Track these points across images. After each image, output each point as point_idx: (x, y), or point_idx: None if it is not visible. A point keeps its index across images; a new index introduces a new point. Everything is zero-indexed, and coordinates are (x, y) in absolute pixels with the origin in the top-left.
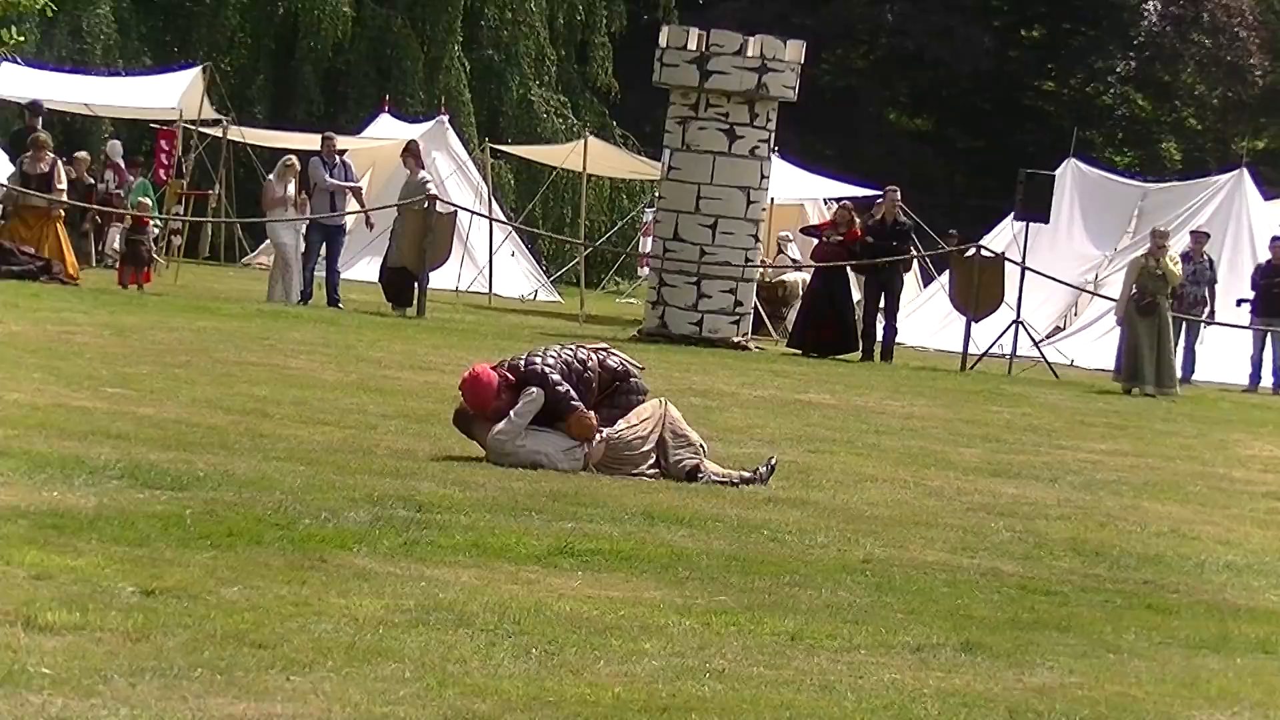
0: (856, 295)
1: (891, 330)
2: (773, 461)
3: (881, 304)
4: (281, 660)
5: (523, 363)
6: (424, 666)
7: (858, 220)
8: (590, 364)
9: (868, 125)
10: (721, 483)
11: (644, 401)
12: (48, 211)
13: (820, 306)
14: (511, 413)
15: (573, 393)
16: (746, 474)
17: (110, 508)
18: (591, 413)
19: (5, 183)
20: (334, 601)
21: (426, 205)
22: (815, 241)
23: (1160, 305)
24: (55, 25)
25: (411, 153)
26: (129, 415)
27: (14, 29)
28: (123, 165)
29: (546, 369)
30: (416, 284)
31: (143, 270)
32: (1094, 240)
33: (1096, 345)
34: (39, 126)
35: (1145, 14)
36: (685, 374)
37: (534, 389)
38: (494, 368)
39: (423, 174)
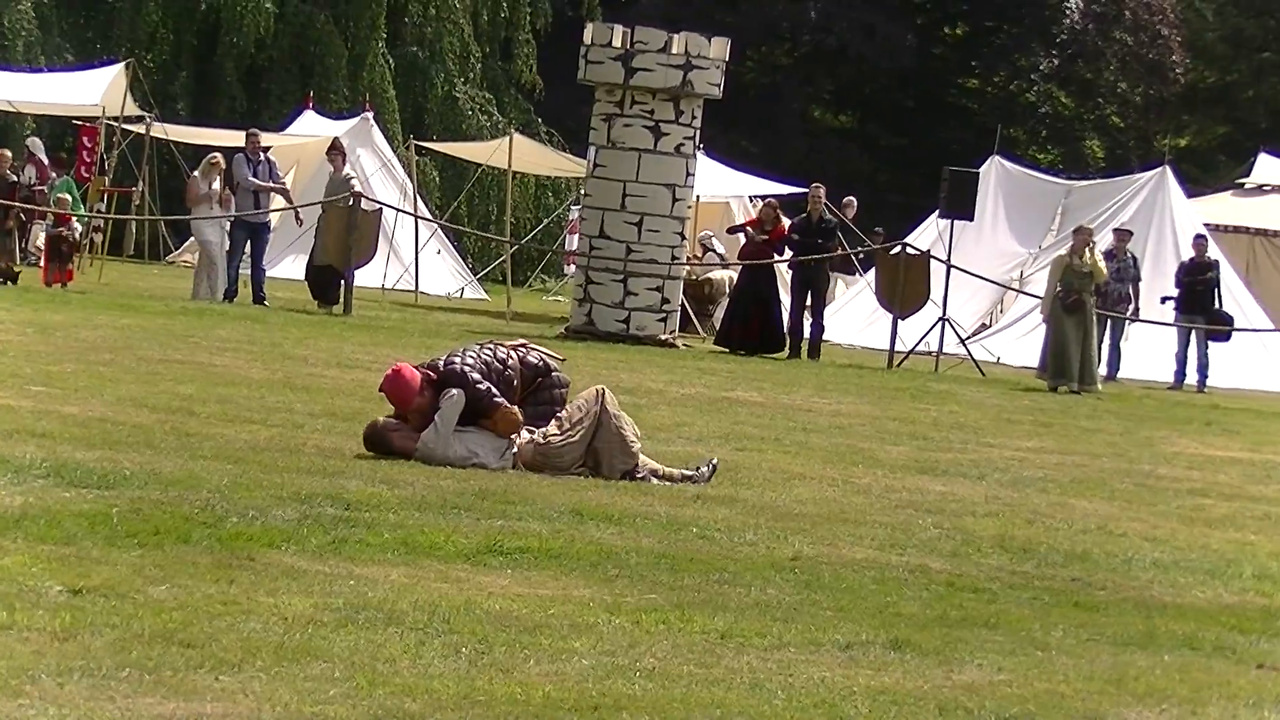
0: (783, 293)
1: (818, 328)
2: (713, 462)
3: (808, 301)
4: (210, 660)
5: (442, 362)
6: (353, 665)
7: (783, 218)
8: (510, 362)
9: (792, 122)
10: (661, 479)
11: (565, 394)
12: None
13: (747, 304)
14: (435, 418)
15: (494, 390)
16: (688, 472)
17: (36, 506)
18: (515, 408)
19: None
20: (262, 600)
21: (351, 203)
22: (743, 239)
23: (1085, 302)
24: None
25: (336, 150)
26: (54, 414)
27: None
28: (45, 161)
29: (466, 368)
30: (342, 281)
31: (66, 268)
32: (1018, 237)
33: (1022, 342)
34: None
35: (1067, 12)
36: (613, 371)
37: (454, 390)
38: (416, 367)
39: (347, 171)
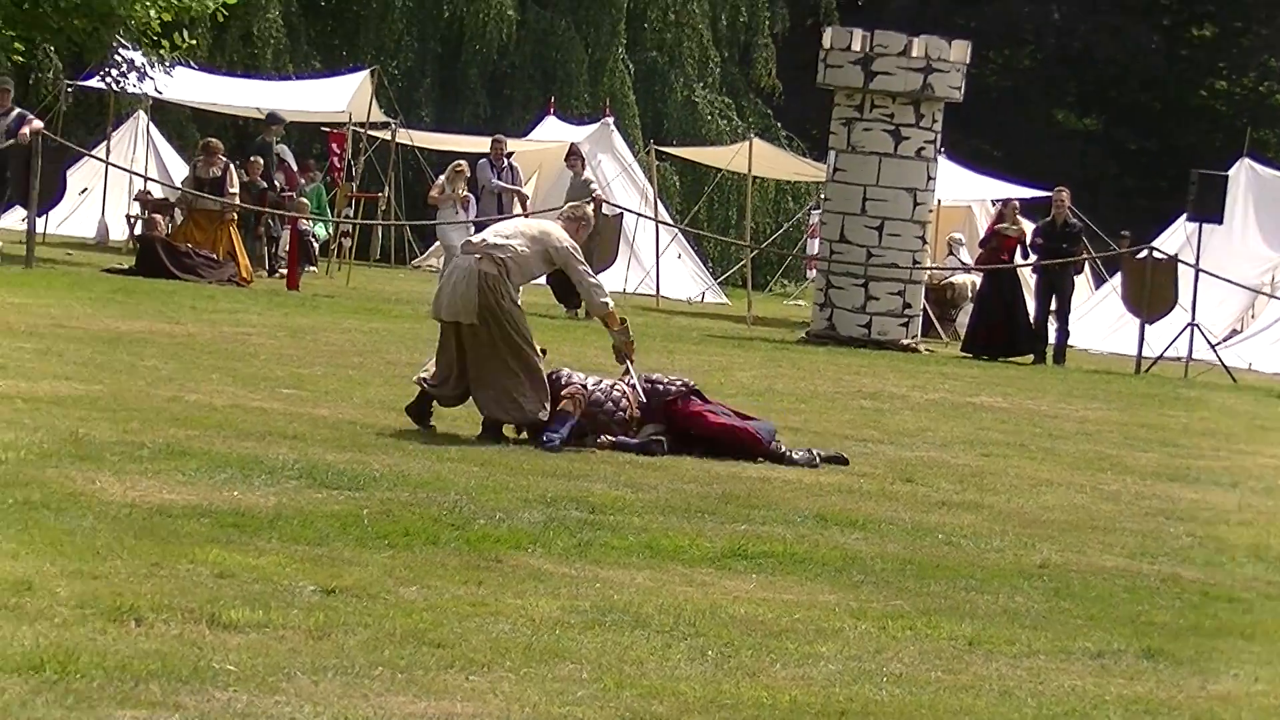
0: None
1: (1063, 333)
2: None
3: (1053, 306)
4: (460, 660)
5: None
6: (601, 667)
7: (1022, 221)
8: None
9: (1035, 126)
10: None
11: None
12: (221, 215)
13: (992, 309)
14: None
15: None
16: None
17: (289, 507)
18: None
19: (180, 186)
20: (510, 602)
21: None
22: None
23: None
24: (226, 30)
25: (575, 155)
26: (305, 416)
27: (185, 33)
28: (294, 168)
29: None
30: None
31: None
32: (1269, 241)
33: (1275, 348)
34: (274, 141)
35: None
36: (855, 376)
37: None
38: None
39: (587, 174)
